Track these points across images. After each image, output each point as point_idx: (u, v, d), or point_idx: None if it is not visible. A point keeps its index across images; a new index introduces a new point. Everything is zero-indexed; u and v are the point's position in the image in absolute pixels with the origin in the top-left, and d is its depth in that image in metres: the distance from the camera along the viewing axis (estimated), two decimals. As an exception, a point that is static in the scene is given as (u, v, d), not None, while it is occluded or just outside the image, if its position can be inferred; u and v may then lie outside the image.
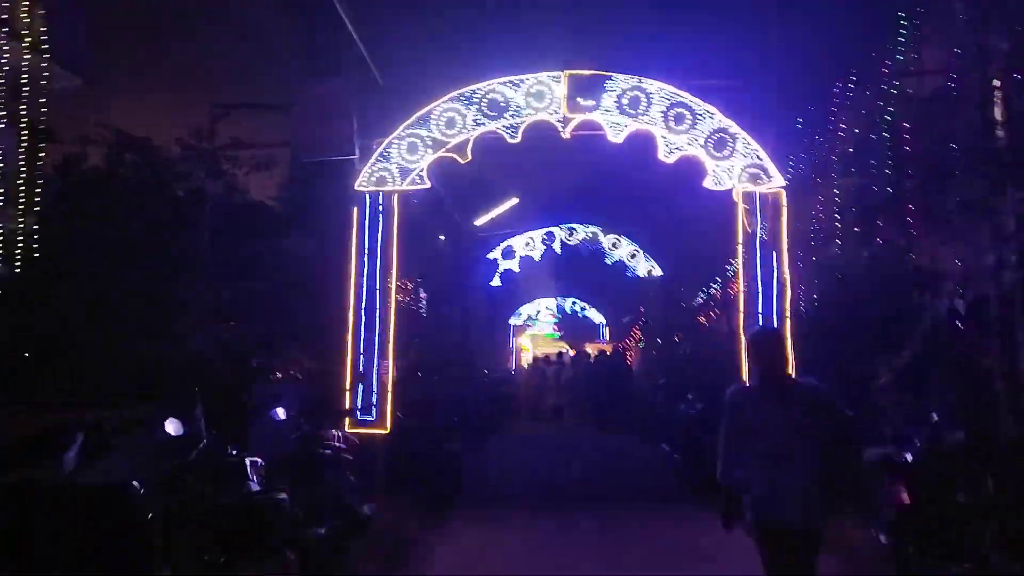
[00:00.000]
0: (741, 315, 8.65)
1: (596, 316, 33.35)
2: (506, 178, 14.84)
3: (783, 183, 8.64)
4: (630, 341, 26.27)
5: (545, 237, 18.78)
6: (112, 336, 7.57)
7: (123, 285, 7.90)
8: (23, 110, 10.80)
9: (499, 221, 18.91)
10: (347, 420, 8.41)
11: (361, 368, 8.55)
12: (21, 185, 9.73)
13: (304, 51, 9.28)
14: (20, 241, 9.13)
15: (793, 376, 4.23)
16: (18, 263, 9.05)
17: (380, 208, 8.85)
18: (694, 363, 14.76)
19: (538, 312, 33.94)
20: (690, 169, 9.40)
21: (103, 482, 3.11)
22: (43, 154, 9.71)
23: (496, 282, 19.60)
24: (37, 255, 8.67)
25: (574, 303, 33.08)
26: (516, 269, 19.69)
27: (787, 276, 8.56)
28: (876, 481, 6.15)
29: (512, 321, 32.41)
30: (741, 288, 8.64)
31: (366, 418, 8.52)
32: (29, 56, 11.32)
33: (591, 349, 24.99)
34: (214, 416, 5.58)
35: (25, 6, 12.68)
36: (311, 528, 4.83)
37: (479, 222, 18.81)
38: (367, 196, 8.85)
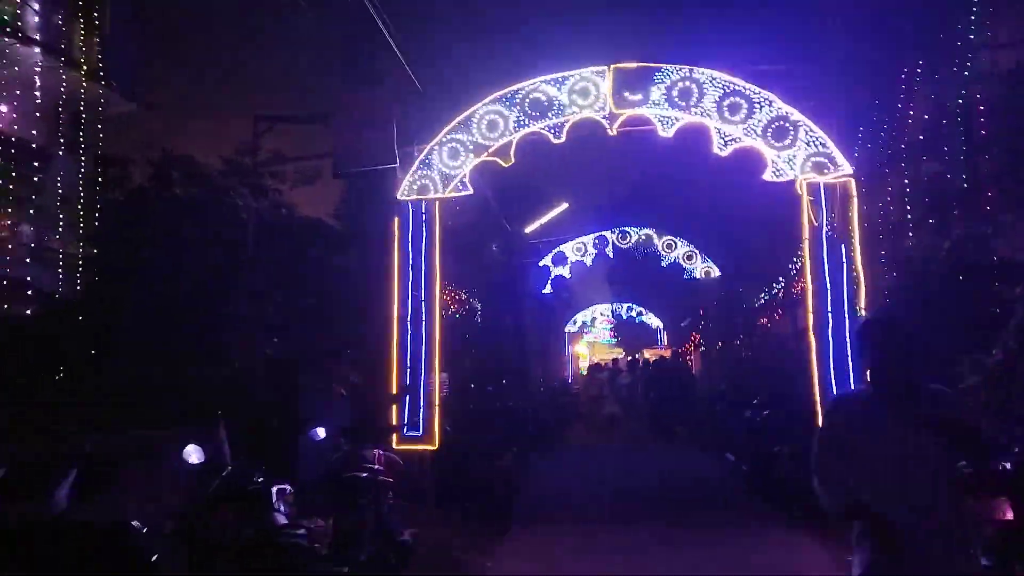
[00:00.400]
0: (810, 314, 8.04)
1: (653, 321, 32.62)
2: (554, 183, 14.47)
3: (851, 171, 8.03)
4: (689, 346, 25.52)
5: (597, 241, 18.32)
6: (159, 356, 7.50)
7: (171, 305, 7.83)
8: (82, 137, 11.05)
9: (549, 227, 18.55)
10: (394, 436, 8.16)
11: (407, 382, 8.27)
12: (80, 211, 9.89)
13: (343, 60, 9.10)
14: (80, 265, 9.25)
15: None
16: (78, 286, 9.15)
17: (423, 217, 8.58)
18: (758, 366, 14.08)
19: (593, 319, 33.42)
20: (747, 162, 8.88)
21: (98, 521, 2.85)
22: (101, 179, 9.84)
23: (548, 289, 19.21)
24: (97, 278, 8.74)
25: (630, 308, 32.43)
26: (568, 275, 19.26)
27: (860, 271, 7.93)
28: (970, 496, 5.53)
29: (567, 328, 31.97)
30: (809, 286, 8.05)
31: (413, 434, 8.24)
32: (86, 84, 11.58)
33: (649, 355, 24.37)
34: (256, 436, 5.37)
35: (82, 34, 13.03)
36: (350, 554, 4.53)
37: (529, 229, 18.49)
38: (409, 205, 8.60)
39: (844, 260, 7.99)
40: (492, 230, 17.03)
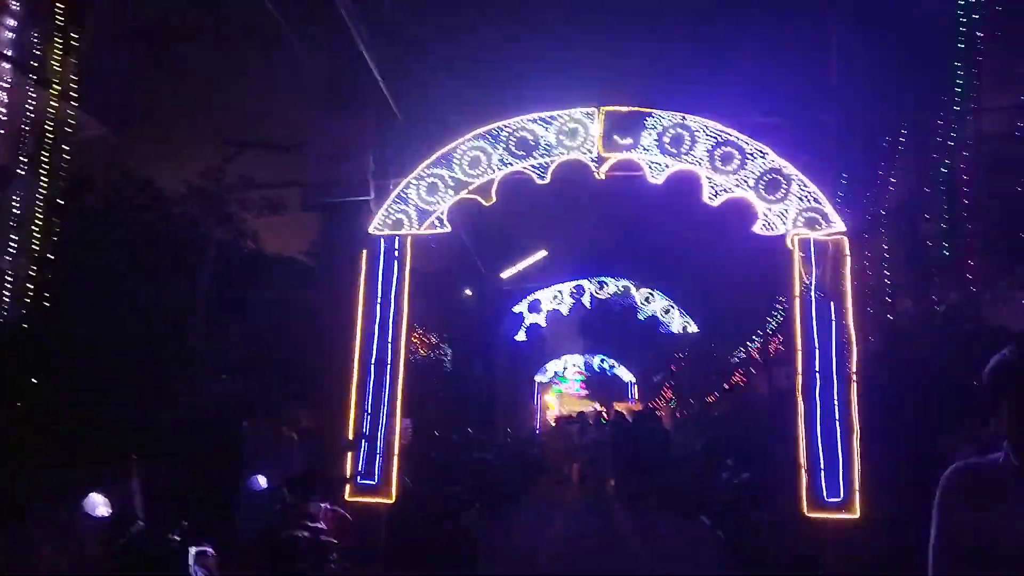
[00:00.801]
0: (798, 375, 7.62)
1: (625, 374, 32.20)
2: (534, 225, 14.12)
3: (844, 228, 7.73)
4: (660, 401, 25.08)
5: (574, 290, 17.94)
6: (95, 388, 6.82)
7: (117, 334, 7.18)
8: (46, 158, 10.42)
9: (526, 274, 18.18)
10: (347, 487, 7.50)
11: (366, 429, 7.66)
12: (36, 234, 9.21)
13: (320, 85, 8.69)
14: (30, 290, 8.54)
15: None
16: (25, 311, 8.43)
17: (395, 253, 8.09)
18: (735, 426, 13.62)
19: (565, 369, 32.87)
20: (732, 217, 8.58)
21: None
22: (61, 202, 9.20)
23: (521, 336, 18.70)
24: (45, 304, 8.06)
25: (603, 360, 32.01)
26: (543, 323, 18.82)
27: (852, 332, 7.56)
28: None
29: (538, 378, 31.38)
30: (798, 344, 7.64)
31: (368, 483, 7.59)
32: (57, 104, 11.00)
33: (621, 408, 23.81)
34: (188, 484, 4.75)
35: (58, 53, 12.50)
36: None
37: (505, 274, 18.08)
38: (381, 240, 8.11)
39: (834, 319, 7.63)
40: (466, 273, 16.60)
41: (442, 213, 8.12)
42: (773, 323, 12.63)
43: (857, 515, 7.25)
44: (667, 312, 17.96)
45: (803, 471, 7.42)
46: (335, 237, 8.42)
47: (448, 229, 8.12)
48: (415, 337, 17.13)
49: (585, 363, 32.47)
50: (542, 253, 17.78)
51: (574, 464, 18.45)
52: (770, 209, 7.83)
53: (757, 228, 7.87)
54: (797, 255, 7.74)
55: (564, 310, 18.20)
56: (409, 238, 8.13)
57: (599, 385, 32.33)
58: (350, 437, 7.59)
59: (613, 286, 17.95)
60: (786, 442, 9.31)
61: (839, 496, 7.34)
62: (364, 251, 8.09)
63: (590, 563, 9.07)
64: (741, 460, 10.55)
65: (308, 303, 8.37)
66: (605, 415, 18.33)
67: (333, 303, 8.26)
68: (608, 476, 13.50)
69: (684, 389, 21.19)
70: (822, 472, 7.39)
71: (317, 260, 8.44)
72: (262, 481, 5.08)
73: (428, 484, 9.57)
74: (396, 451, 7.66)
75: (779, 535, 7.83)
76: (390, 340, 7.89)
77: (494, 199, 8.09)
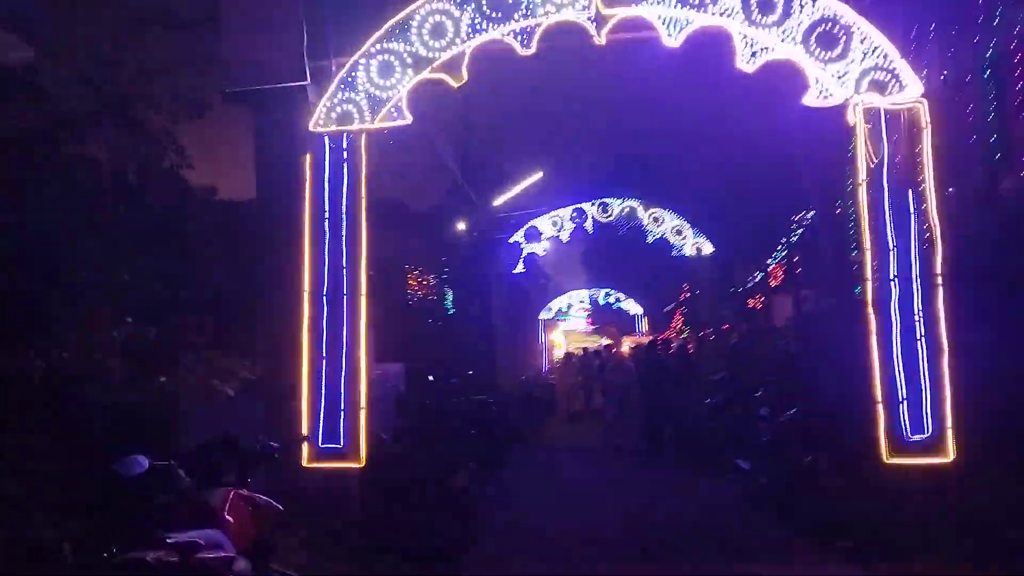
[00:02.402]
0: (868, 283, 5.95)
1: (633, 307, 30.73)
2: (520, 128, 12.22)
3: (921, 92, 5.94)
4: (670, 333, 23.61)
5: (575, 215, 16.14)
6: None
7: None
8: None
9: (521, 199, 16.36)
10: (304, 449, 5.95)
11: (323, 376, 6.06)
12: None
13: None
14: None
15: None
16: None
17: (345, 155, 6.33)
18: (764, 357, 12.03)
19: (569, 306, 31.41)
20: (766, 94, 6.81)
21: None
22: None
23: (520, 269, 17.00)
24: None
25: (608, 294, 30.52)
26: (542, 253, 17.08)
27: (936, 223, 5.85)
28: None
29: (542, 316, 29.91)
30: (867, 245, 5.95)
31: (331, 446, 6.03)
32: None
33: (630, 342, 22.31)
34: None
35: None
36: None
37: (497, 201, 16.28)
38: (326, 139, 6.34)
39: (913, 211, 5.92)
40: (452, 200, 14.82)
41: (401, 100, 6.33)
42: (806, 234, 10.89)
43: (950, 458, 5.69)
44: (679, 233, 16.17)
45: (878, 404, 5.83)
46: (268, 139, 6.64)
47: (409, 120, 6.34)
48: (412, 277, 15.58)
49: (590, 298, 31.03)
50: (537, 175, 15.91)
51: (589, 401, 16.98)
52: (825, 71, 6.02)
53: (810, 98, 6.08)
54: (862, 128, 5.97)
55: (564, 237, 16.43)
56: (363, 135, 6.35)
57: (606, 320, 30.95)
58: (311, 388, 6.00)
59: (617, 208, 16.13)
60: (844, 369, 7.75)
61: (925, 432, 5.76)
62: (308, 155, 6.34)
63: (606, 524, 7.57)
64: (773, 393, 9.02)
65: (242, 229, 6.66)
66: (614, 350, 16.76)
67: (272, 224, 6.55)
68: (632, 412, 11.75)
69: (700, 318, 19.59)
70: (903, 404, 5.79)
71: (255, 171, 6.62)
72: (143, 463, 3.47)
73: (415, 439, 8.08)
74: (363, 403, 6.05)
75: (845, 483, 6.28)
76: (345, 266, 6.20)
77: (465, 78, 6.28)
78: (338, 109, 6.36)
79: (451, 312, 16.51)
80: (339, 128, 6.34)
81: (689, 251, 16.19)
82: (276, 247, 6.44)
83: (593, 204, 16.12)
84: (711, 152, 12.67)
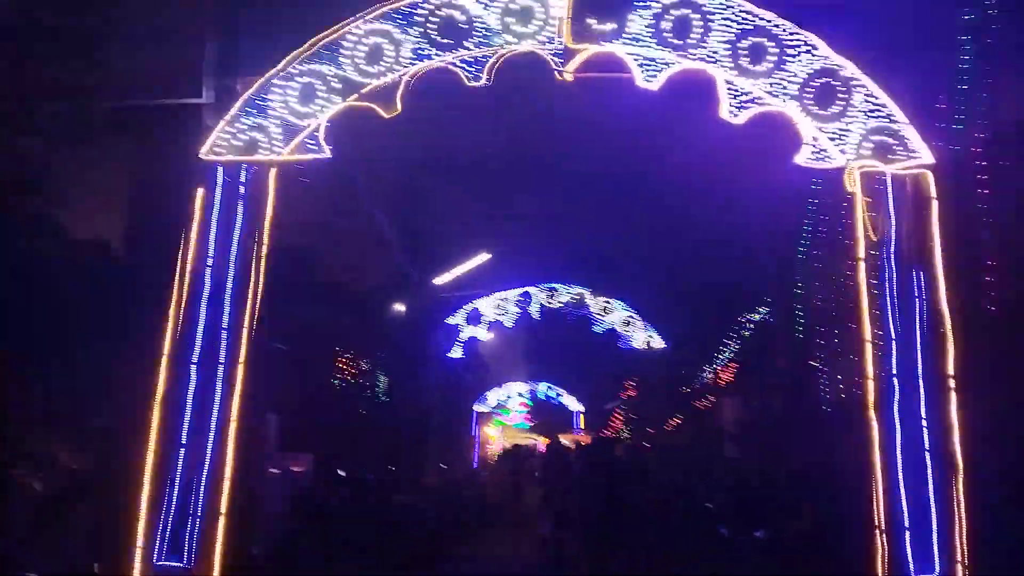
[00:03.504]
0: (869, 382, 4.92)
1: (573, 404, 29.55)
2: (468, 207, 11.23)
3: (931, 160, 5.14)
4: (611, 431, 22.42)
5: (521, 298, 15.06)
6: None
7: None
8: None
9: (464, 280, 15.26)
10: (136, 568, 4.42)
11: (178, 466, 4.60)
12: None
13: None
14: None
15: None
16: None
17: (246, 190, 5.11)
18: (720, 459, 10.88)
19: (508, 397, 30.04)
20: (738, 163, 6.00)
21: None
22: None
23: (457, 353, 15.69)
24: None
25: (549, 388, 29.34)
26: (483, 338, 15.84)
27: (946, 312, 4.92)
28: None
29: (477, 407, 28.38)
30: (866, 335, 4.95)
31: (173, 564, 4.50)
32: None
33: (567, 440, 20.90)
34: None
35: None
36: None
37: (439, 280, 15.14)
38: (219, 170, 5.13)
39: (918, 295, 4.99)
40: (388, 272, 13.63)
41: (319, 130, 5.20)
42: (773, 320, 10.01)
43: (965, 602, 4.55)
44: (627, 324, 15.23)
45: (878, 532, 4.69)
46: (149, 168, 5.38)
47: (327, 154, 5.19)
48: (339, 360, 14.11)
49: (530, 392, 29.77)
50: (484, 256, 14.92)
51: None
52: (822, 129, 5.18)
53: (801, 158, 5.22)
54: (860, 197, 5.10)
55: (508, 322, 15.29)
56: (270, 170, 5.17)
57: (545, 415, 29.61)
58: (155, 487, 4.51)
59: (566, 294, 15.16)
60: (821, 485, 6.64)
61: (932, 571, 4.62)
62: (200, 189, 5.10)
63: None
64: (740, 508, 7.80)
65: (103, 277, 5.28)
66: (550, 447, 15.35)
67: (140, 271, 5.20)
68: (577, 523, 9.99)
69: (643, 415, 18.47)
70: (907, 533, 4.67)
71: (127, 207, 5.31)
72: None
73: (308, 547, 6.55)
74: (224, 506, 4.57)
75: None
76: (226, 327, 4.86)
77: (398, 109, 5.22)
78: (241, 136, 5.18)
79: (381, 399, 15.02)
80: (239, 158, 5.14)
81: (638, 344, 15.21)
82: (143, 300, 5.07)
83: (541, 289, 15.11)
84: (668, 240, 11.93)
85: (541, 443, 26.83)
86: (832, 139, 5.15)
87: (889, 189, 5.08)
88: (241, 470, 4.62)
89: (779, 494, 7.55)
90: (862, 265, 5.00)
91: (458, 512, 14.08)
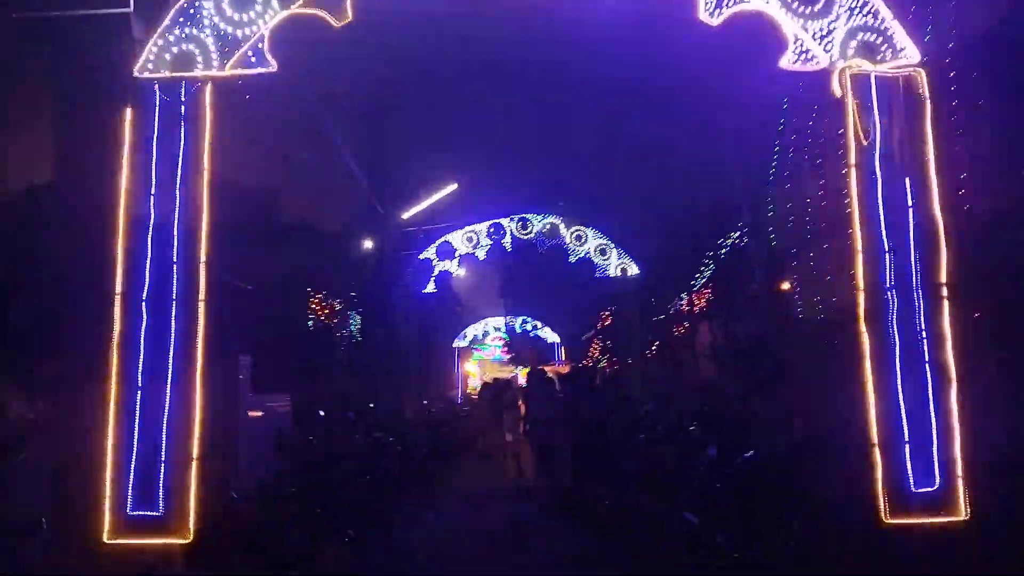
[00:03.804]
0: (859, 293, 4.71)
1: (550, 335, 29.62)
2: (434, 134, 10.72)
3: (918, 58, 4.82)
4: (588, 361, 22.46)
5: (492, 230, 14.74)
6: None
7: None
8: None
9: (433, 213, 14.82)
10: (106, 521, 4.17)
11: (138, 413, 4.30)
12: None
13: None
14: None
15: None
16: None
17: (182, 110, 4.65)
18: (704, 387, 10.86)
19: (485, 333, 30.06)
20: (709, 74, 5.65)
21: None
22: None
23: (431, 288, 15.40)
24: None
25: (525, 321, 29.35)
26: (455, 272, 15.54)
27: (939, 218, 4.70)
28: None
29: (456, 343, 28.35)
30: (858, 245, 4.73)
31: (145, 514, 4.25)
32: None
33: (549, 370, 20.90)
34: None
35: None
36: None
37: (407, 214, 14.69)
38: (156, 89, 4.65)
39: (912, 203, 4.75)
40: (355, 208, 13.17)
41: (262, 41, 4.73)
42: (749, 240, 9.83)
43: (962, 515, 4.47)
44: (603, 253, 15.00)
45: (875, 449, 4.56)
46: (73, 89, 4.88)
47: (272, 67, 4.73)
48: (312, 301, 13.73)
49: (506, 325, 29.78)
50: (452, 186, 14.45)
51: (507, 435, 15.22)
52: (806, 28, 4.83)
53: (786, 61, 4.87)
54: (851, 101, 4.79)
55: (481, 254, 14.98)
56: (207, 86, 4.70)
57: (522, 348, 29.70)
58: (118, 436, 4.22)
59: (538, 224, 14.85)
60: (812, 402, 6.55)
61: (932, 485, 4.53)
62: (129, 109, 4.63)
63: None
64: (727, 430, 7.74)
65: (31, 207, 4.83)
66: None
67: (74, 206, 4.77)
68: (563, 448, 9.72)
69: (623, 344, 18.46)
70: (906, 448, 4.54)
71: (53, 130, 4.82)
72: None
73: (284, 493, 6.35)
74: (194, 453, 4.30)
75: (835, 548, 4.97)
76: (176, 261, 4.49)
77: (349, 16, 4.73)
78: (174, 49, 4.69)
79: (356, 339, 14.76)
80: (175, 74, 4.67)
81: (613, 272, 15.03)
82: (80, 237, 4.66)
83: (512, 220, 14.76)
84: (642, 160, 11.58)
85: (520, 376, 27.00)
86: (816, 39, 4.80)
87: (873, 90, 4.78)
88: (213, 413, 4.36)
89: (762, 412, 7.48)
90: (854, 172, 4.72)
91: (441, 445, 14.08)
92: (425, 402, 17.24)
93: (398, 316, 15.33)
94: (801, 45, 4.81)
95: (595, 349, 23.59)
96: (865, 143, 4.75)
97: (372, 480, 8.58)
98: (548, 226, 14.83)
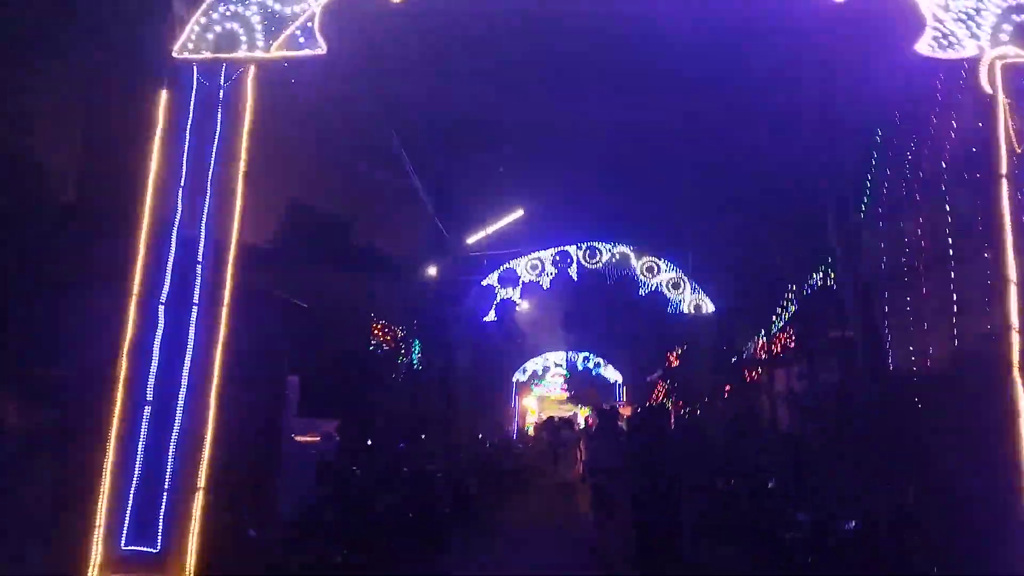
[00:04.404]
0: (1012, 317, 3.81)
1: (612, 374, 28.57)
2: (503, 158, 10.17)
3: (1090, 48, 3.96)
4: (653, 403, 21.34)
5: (558, 258, 14.03)
6: None
7: None
8: None
9: (498, 238, 14.27)
10: (96, 550, 3.59)
11: (144, 432, 3.74)
12: None
13: None
14: None
15: None
16: None
17: (221, 96, 4.18)
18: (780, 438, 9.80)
19: (545, 369, 29.24)
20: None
21: None
22: None
23: (491, 316, 14.75)
24: None
25: (587, 358, 28.41)
26: (519, 301, 14.86)
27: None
28: None
29: (516, 377, 27.60)
30: (1009, 263, 3.84)
31: (142, 549, 3.66)
32: None
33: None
34: None
35: None
36: None
37: (472, 239, 14.19)
38: (194, 71, 4.20)
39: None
40: (420, 231, 12.74)
41: (312, 20, 4.23)
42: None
43: None
44: (675, 287, 14.10)
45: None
46: (106, 71, 4.47)
47: (322, 49, 4.21)
48: (375, 327, 13.33)
49: (568, 361, 28.92)
50: (518, 212, 13.89)
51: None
52: (946, 9, 4.03)
53: (923, 45, 4.07)
54: (1002, 100, 3.95)
55: (545, 283, 14.29)
56: (251, 69, 4.22)
57: (583, 386, 28.75)
58: (117, 457, 3.67)
59: (607, 253, 14.07)
60: (921, 460, 5.55)
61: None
62: (164, 92, 4.19)
63: None
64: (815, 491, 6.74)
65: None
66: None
67: (100, 193, 4.33)
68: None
69: (689, 387, 17.37)
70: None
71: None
72: None
73: (330, 517, 5.75)
74: (200, 482, 3.71)
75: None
76: (201, 260, 3.96)
77: (414, -9, 4.20)
78: (217, 28, 4.24)
79: (416, 367, 14.26)
80: (216, 55, 4.20)
81: (687, 308, 14.08)
82: (103, 228, 4.20)
83: (580, 247, 14.05)
84: (719, 189, 10.75)
85: (579, 415, 25.97)
86: (960, 21, 4.00)
87: (1035, 84, 3.93)
88: (254, 435, 3.80)
89: (862, 473, 6.48)
90: (1004, 184, 3.87)
91: (495, 480, 13.30)
92: (480, 436, 16.54)
93: (457, 344, 14.76)
94: (941, 28, 4.01)
95: (660, 391, 22.48)
96: (1019, 150, 3.89)
97: (418, 516, 7.91)
98: (618, 255, 14.06)
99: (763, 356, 13.17)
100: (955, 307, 5.66)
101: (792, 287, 11.62)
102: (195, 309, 3.89)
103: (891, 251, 7.91)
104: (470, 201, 13.23)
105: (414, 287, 13.77)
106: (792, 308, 11.98)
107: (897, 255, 7.68)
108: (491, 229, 14.01)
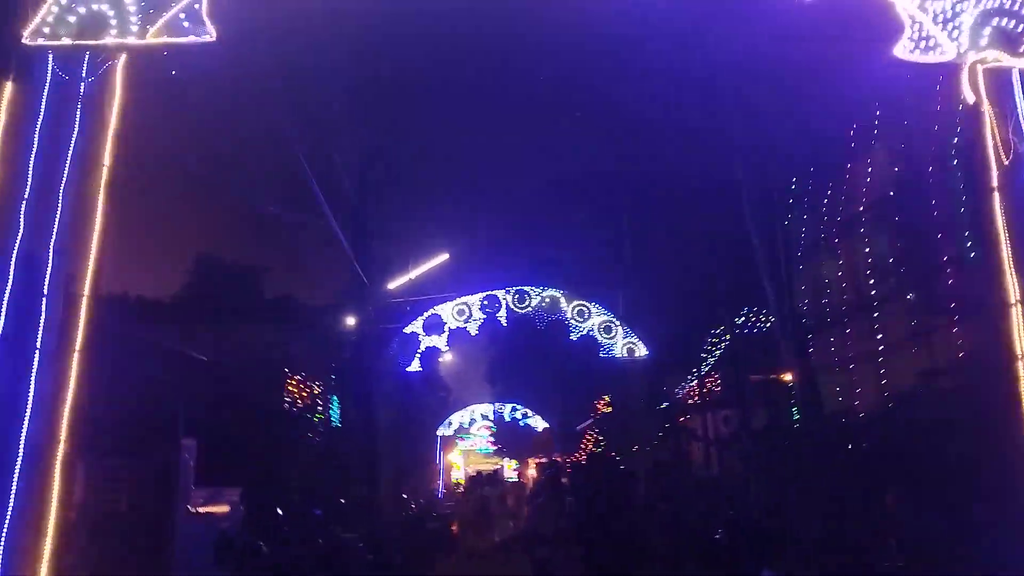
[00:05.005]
0: (1018, 334, 3.37)
1: (540, 423, 27.94)
2: (427, 201, 9.55)
3: (1072, 52, 3.67)
4: (580, 453, 20.77)
5: (485, 302, 13.38)
6: None
7: None
8: None
9: (421, 284, 13.53)
10: None
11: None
12: None
13: None
14: None
15: None
16: None
17: (81, 89, 3.37)
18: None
19: (472, 421, 28.40)
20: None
21: None
22: None
23: (415, 366, 13.88)
24: None
25: (515, 408, 27.74)
26: (444, 347, 14.06)
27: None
28: None
29: (441, 431, 26.54)
30: (1011, 279, 3.42)
31: None
32: None
33: (533, 464, 19.23)
34: None
35: None
36: None
37: (393, 284, 13.40)
38: (49, 60, 3.39)
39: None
40: (339, 280, 11.88)
41: (198, 2, 3.50)
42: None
43: None
44: (607, 331, 13.65)
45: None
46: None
47: (211, 35, 3.48)
48: (290, 383, 12.22)
49: (495, 413, 28.19)
50: (442, 256, 13.23)
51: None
52: (926, 10, 3.68)
53: (900, 49, 3.69)
54: (987, 108, 3.59)
55: (472, 329, 13.57)
56: (120, 58, 3.43)
57: (510, 439, 27.99)
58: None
59: (536, 298, 13.52)
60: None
61: None
62: (7, 83, 3.35)
63: None
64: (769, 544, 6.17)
65: None
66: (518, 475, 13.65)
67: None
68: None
69: (621, 433, 16.84)
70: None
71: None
72: None
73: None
74: (52, 526, 2.77)
75: None
76: (48, 285, 3.09)
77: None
78: (80, 9, 3.45)
79: (335, 424, 13.22)
80: (77, 42, 3.41)
81: (619, 352, 13.63)
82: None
83: (508, 292, 13.45)
84: (652, 230, 10.45)
85: (506, 469, 25.06)
86: (940, 24, 3.64)
87: (1018, 91, 3.59)
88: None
89: (818, 522, 5.97)
90: (997, 198, 3.47)
91: (420, 546, 12.25)
92: (405, 496, 15.46)
93: (379, 397, 13.79)
94: (919, 31, 3.64)
95: (589, 440, 21.96)
96: (1007, 161, 3.52)
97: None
98: (548, 299, 13.54)
99: (695, 400, 12.81)
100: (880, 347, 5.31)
101: (721, 329, 11.35)
102: (37, 354, 3.00)
103: (820, 292, 7.66)
104: (392, 244, 12.51)
105: (332, 338, 12.84)
106: (724, 347, 11.70)
107: (827, 297, 7.42)
108: (415, 274, 13.27)
